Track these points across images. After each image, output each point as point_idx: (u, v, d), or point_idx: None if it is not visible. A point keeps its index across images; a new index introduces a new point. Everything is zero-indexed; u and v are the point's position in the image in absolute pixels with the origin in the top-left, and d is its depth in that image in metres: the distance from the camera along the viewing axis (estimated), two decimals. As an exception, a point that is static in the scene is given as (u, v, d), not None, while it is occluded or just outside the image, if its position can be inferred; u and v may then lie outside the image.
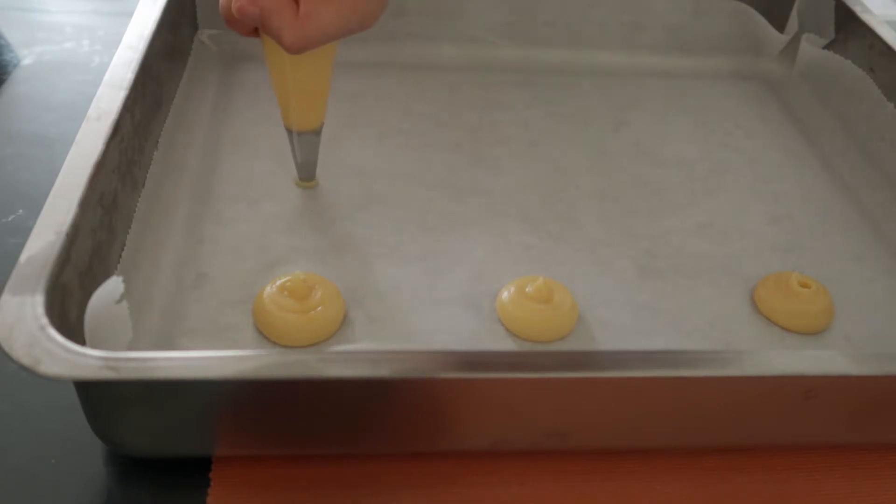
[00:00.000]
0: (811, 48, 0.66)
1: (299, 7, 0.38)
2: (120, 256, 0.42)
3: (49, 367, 0.30)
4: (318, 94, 0.46)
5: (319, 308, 0.41)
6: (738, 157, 0.59)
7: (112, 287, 0.37)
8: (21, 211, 0.49)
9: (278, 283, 0.41)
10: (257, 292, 0.42)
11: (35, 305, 0.32)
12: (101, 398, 0.33)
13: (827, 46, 0.65)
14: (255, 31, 0.42)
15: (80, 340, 0.33)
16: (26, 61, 0.63)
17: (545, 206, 0.52)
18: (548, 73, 0.66)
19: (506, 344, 0.42)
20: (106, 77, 0.45)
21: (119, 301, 0.37)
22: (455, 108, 0.60)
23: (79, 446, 0.36)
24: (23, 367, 0.30)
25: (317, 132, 0.48)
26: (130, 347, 0.37)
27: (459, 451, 0.37)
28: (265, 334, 0.41)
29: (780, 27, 0.68)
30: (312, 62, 0.44)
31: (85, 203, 0.37)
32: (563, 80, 0.65)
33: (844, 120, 0.62)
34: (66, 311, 0.34)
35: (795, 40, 0.68)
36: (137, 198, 0.45)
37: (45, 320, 0.31)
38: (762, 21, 0.68)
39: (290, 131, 0.48)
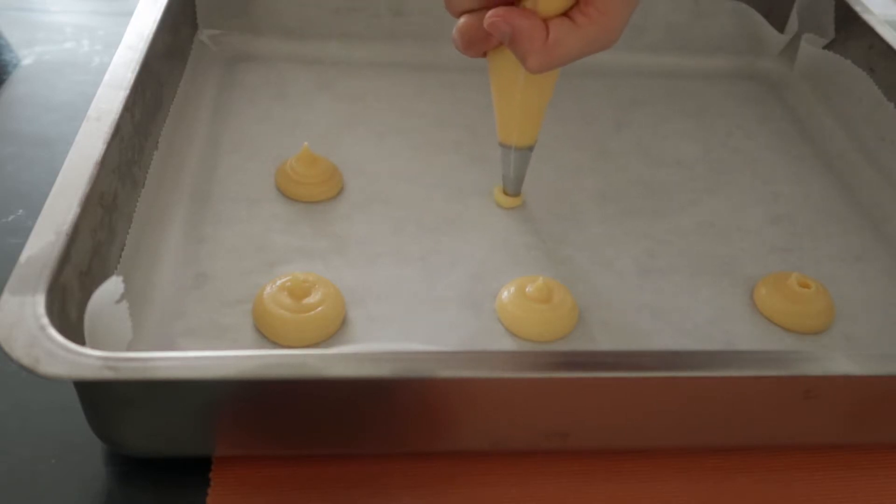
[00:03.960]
0: (811, 48, 0.66)
1: (549, 33, 0.38)
2: (120, 256, 0.42)
3: (49, 367, 0.30)
4: (541, 111, 0.46)
5: (319, 308, 0.41)
6: (738, 157, 0.59)
7: (112, 287, 0.37)
8: (21, 211, 0.49)
9: (278, 283, 0.41)
10: (257, 292, 0.42)
11: (35, 305, 0.32)
12: (101, 398, 0.33)
13: (827, 46, 0.65)
14: (485, 54, 0.43)
15: (80, 340, 0.33)
16: (26, 61, 0.63)
17: (545, 205, 0.52)
18: (548, 73, 0.66)
19: (506, 344, 0.42)
20: (106, 77, 0.45)
21: (119, 301, 0.37)
22: (455, 108, 0.60)
23: (79, 446, 0.36)
24: (23, 367, 0.30)
25: (531, 148, 0.48)
26: (130, 347, 0.37)
27: (459, 451, 0.37)
28: (265, 334, 0.41)
29: (780, 27, 0.68)
30: (545, 80, 0.44)
31: (85, 203, 0.37)
32: (563, 80, 0.65)
33: (844, 120, 0.62)
34: (66, 311, 0.34)
35: (795, 40, 0.68)
36: (137, 198, 0.45)
37: (45, 320, 0.31)
38: (762, 21, 0.68)
39: (507, 148, 0.48)
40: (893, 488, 0.38)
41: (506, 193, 0.51)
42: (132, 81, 0.45)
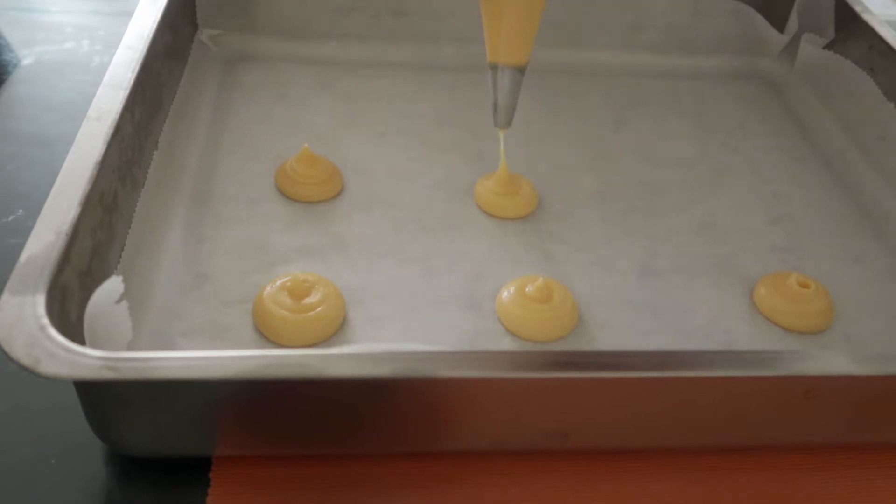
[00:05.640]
0: (811, 48, 0.66)
1: None
2: (120, 256, 0.42)
3: (49, 367, 0.30)
4: (529, 25, 0.44)
5: (319, 308, 0.41)
6: (738, 157, 0.59)
7: (112, 287, 0.37)
8: (21, 211, 0.49)
9: (278, 283, 0.41)
10: (257, 292, 0.42)
11: (35, 305, 0.32)
12: (101, 398, 0.33)
13: (827, 46, 0.65)
14: None
15: (80, 340, 0.33)
16: (26, 61, 0.63)
17: (545, 205, 0.52)
18: (548, 73, 0.66)
19: (506, 344, 0.42)
20: (106, 77, 0.45)
21: (119, 301, 0.37)
22: (455, 108, 0.60)
23: (79, 446, 0.36)
24: (23, 367, 0.30)
25: (521, 70, 0.45)
26: (130, 347, 0.37)
27: (459, 451, 0.37)
28: (265, 334, 0.41)
29: (780, 27, 0.68)
30: None
31: (85, 203, 0.37)
32: (563, 80, 0.65)
33: (844, 120, 0.62)
34: (66, 311, 0.34)
35: (795, 40, 0.68)
36: (137, 198, 0.45)
37: (45, 320, 0.31)
38: (762, 21, 0.68)
39: (494, 68, 0.45)
40: (893, 488, 0.38)
41: (496, 126, 0.48)
42: (132, 81, 0.45)
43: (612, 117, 0.62)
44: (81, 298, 0.36)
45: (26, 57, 0.64)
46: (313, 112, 0.58)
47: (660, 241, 0.50)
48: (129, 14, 0.52)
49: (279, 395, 0.33)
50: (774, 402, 0.36)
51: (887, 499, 0.38)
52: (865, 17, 0.62)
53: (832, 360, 0.35)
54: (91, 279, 0.37)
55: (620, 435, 0.37)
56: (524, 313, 0.42)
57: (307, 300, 0.41)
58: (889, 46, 0.59)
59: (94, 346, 0.33)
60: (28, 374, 0.30)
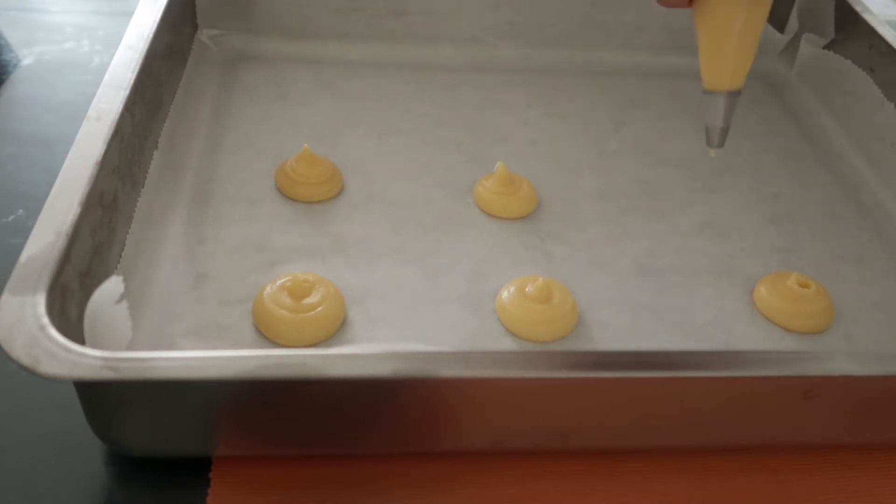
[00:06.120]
0: (811, 48, 0.66)
1: None
2: (120, 256, 0.42)
3: (49, 367, 0.30)
4: (756, 45, 0.44)
5: (319, 308, 0.41)
6: (738, 157, 0.59)
7: (112, 287, 0.37)
8: (21, 211, 0.49)
9: (278, 283, 0.41)
10: (257, 292, 0.42)
11: (35, 305, 0.32)
12: (101, 398, 0.33)
13: (827, 46, 0.65)
14: (691, 2, 0.43)
15: (80, 340, 0.33)
16: (26, 61, 0.63)
17: (545, 205, 0.52)
18: (548, 73, 0.66)
19: (506, 344, 0.42)
20: (106, 77, 0.45)
21: (119, 301, 0.37)
22: (455, 108, 0.60)
23: (79, 446, 0.36)
24: (23, 367, 0.30)
25: (737, 93, 0.45)
26: (130, 347, 0.37)
27: (459, 451, 0.37)
28: (265, 334, 0.41)
29: (780, 27, 0.68)
30: (764, 7, 0.42)
31: (85, 203, 0.37)
32: (563, 80, 0.65)
33: (844, 120, 0.62)
34: (66, 311, 0.34)
35: (795, 40, 0.68)
36: (137, 198, 0.45)
37: (45, 320, 0.31)
38: (762, 21, 0.69)
39: (717, 95, 0.46)
40: (893, 488, 0.38)
41: (708, 145, 0.47)
42: (132, 81, 0.45)
43: (612, 117, 0.61)
44: (81, 298, 0.36)
45: (26, 57, 0.64)
46: (313, 112, 0.58)
47: (660, 240, 0.50)
48: (129, 14, 0.52)
49: (279, 395, 0.33)
50: (774, 402, 0.36)
51: (887, 499, 0.38)
52: (865, 17, 0.62)
53: (832, 360, 0.35)
54: (91, 279, 0.37)
55: (620, 435, 0.37)
56: (524, 313, 0.42)
57: (307, 300, 0.41)
58: (889, 46, 0.59)
59: (94, 346, 0.33)
60: (28, 374, 0.30)
